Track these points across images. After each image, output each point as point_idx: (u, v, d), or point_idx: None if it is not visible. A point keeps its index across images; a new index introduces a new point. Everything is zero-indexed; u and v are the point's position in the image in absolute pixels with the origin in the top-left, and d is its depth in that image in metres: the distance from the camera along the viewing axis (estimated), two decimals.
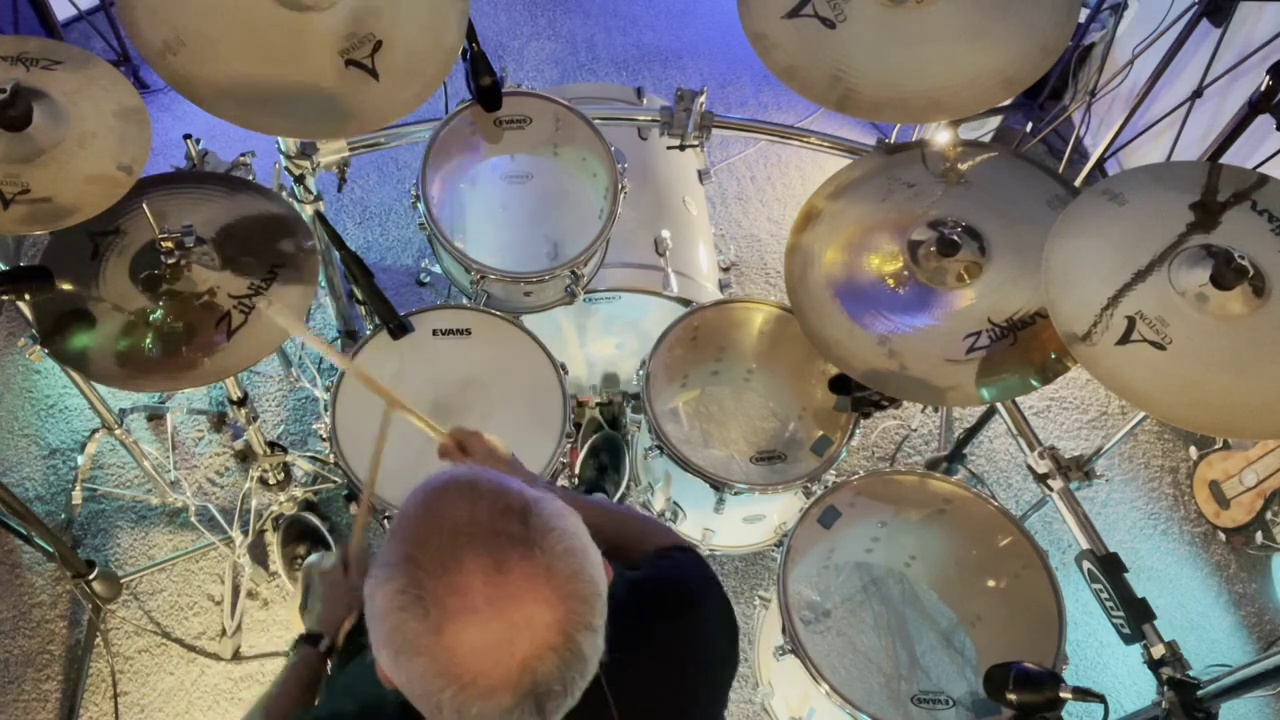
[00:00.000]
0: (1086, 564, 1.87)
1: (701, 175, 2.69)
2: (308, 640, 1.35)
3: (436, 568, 0.77)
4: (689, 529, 2.31)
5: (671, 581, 1.12)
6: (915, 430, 2.87)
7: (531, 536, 0.79)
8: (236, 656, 2.39)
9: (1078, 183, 2.52)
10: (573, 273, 2.12)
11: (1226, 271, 1.46)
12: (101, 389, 2.22)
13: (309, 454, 2.63)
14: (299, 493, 2.56)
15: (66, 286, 1.73)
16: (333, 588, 1.41)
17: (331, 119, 1.72)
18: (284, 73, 1.69)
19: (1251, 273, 1.47)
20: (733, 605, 1.15)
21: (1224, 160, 1.79)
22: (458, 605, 0.76)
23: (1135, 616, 1.76)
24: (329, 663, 1.35)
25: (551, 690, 0.79)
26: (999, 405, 2.14)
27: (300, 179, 2.16)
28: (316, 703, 1.28)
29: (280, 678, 1.32)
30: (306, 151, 2.12)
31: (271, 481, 2.56)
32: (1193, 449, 2.85)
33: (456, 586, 0.76)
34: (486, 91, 2.00)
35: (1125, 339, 1.48)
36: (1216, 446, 2.77)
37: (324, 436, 1.90)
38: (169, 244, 1.68)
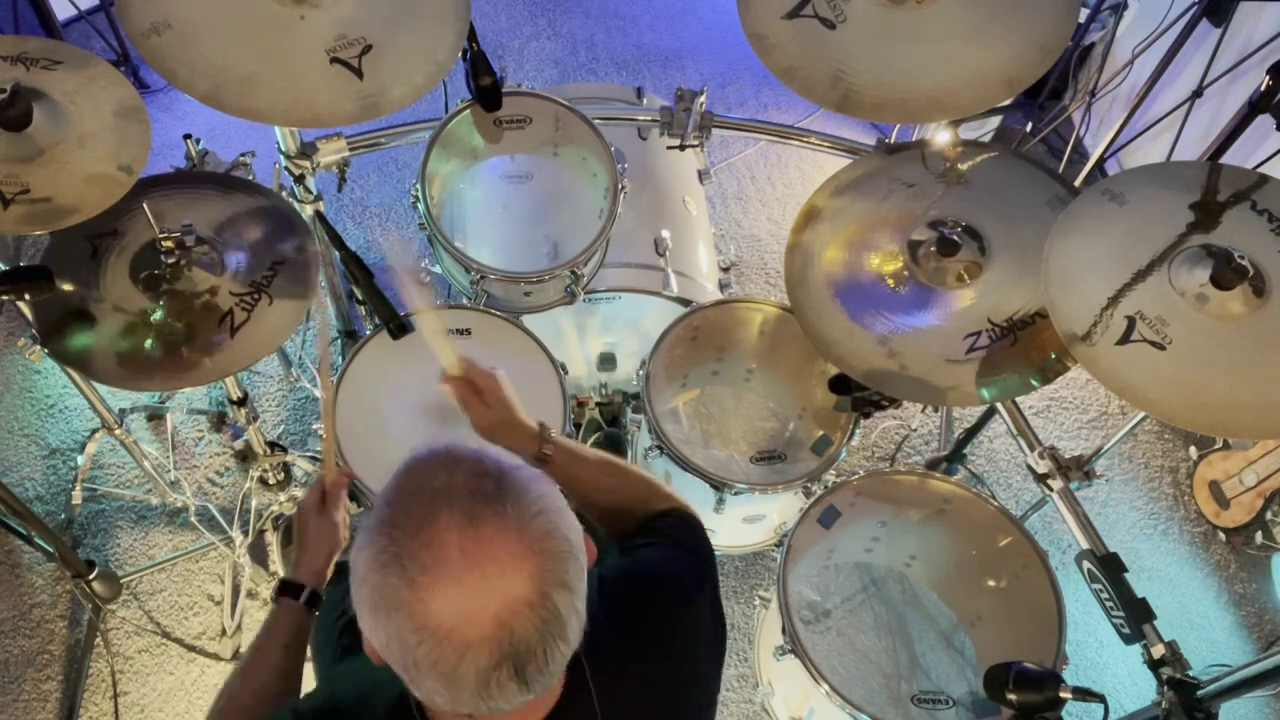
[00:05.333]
0: (1086, 564, 1.87)
1: (701, 175, 2.68)
2: (287, 590, 1.29)
3: (413, 527, 0.80)
4: None
5: (665, 576, 1.10)
6: (915, 430, 2.87)
7: (504, 496, 0.81)
8: (236, 656, 2.39)
9: (1078, 183, 2.52)
10: (573, 273, 2.12)
11: (1226, 271, 1.46)
12: (101, 389, 2.22)
13: (309, 454, 2.63)
14: (299, 493, 2.56)
15: (66, 287, 1.72)
16: (310, 529, 1.35)
17: (304, 110, 1.71)
18: (265, 62, 1.69)
19: (1251, 273, 1.47)
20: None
21: (1224, 160, 1.79)
22: (432, 559, 0.78)
23: (1135, 616, 1.76)
24: (313, 613, 1.29)
25: (531, 652, 0.79)
26: (999, 405, 2.14)
27: (300, 179, 2.15)
28: (311, 689, 1.25)
29: (259, 637, 1.26)
30: (306, 151, 2.12)
31: (271, 481, 2.56)
32: (1193, 449, 2.85)
33: (430, 541, 0.79)
34: (486, 91, 2.00)
35: (1125, 339, 1.48)
36: (1216, 446, 2.77)
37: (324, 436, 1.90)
38: (169, 244, 1.68)
